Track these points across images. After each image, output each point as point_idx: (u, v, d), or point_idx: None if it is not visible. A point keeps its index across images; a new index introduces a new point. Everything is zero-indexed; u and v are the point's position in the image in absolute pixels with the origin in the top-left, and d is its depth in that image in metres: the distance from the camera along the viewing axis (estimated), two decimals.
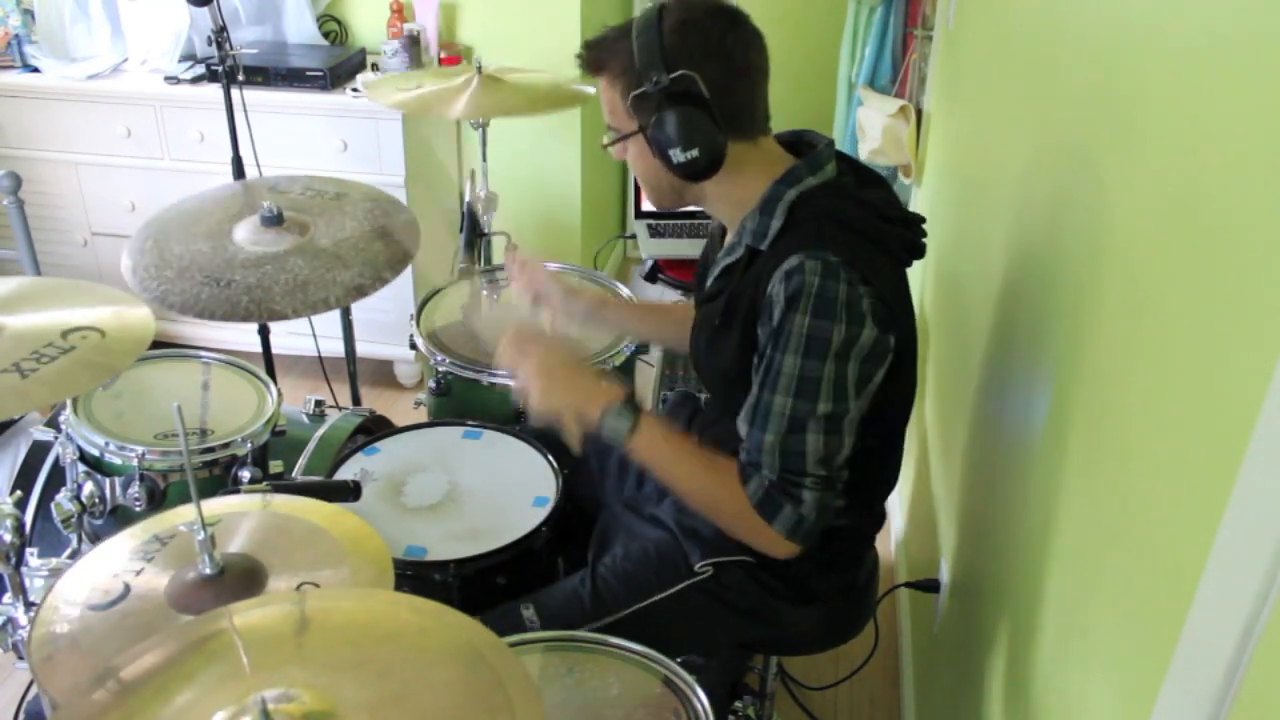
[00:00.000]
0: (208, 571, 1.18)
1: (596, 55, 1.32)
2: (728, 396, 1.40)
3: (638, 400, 1.37)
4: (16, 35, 2.92)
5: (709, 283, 1.43)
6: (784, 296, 1.23)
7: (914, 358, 1.37)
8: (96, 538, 1.69)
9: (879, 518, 1.49)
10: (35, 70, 2.93)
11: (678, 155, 1.25)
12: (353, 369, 2.50)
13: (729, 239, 1.40)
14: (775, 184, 1.30)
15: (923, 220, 1.37)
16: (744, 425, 1.29)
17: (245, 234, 1.85)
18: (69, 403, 1.74)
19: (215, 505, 1.34)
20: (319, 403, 2.01)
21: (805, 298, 1.21)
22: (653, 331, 1.83)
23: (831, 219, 1.27)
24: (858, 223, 1.28)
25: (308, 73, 2.80)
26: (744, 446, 1.30)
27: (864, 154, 2.64)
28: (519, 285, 1.74)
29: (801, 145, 1.38)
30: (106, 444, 1.67)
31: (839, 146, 1.50)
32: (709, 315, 1.39)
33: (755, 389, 1.27)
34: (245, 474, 1.70)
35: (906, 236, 1.34)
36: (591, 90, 2.40)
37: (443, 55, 3.03)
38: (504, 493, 1.63)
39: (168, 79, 2.86)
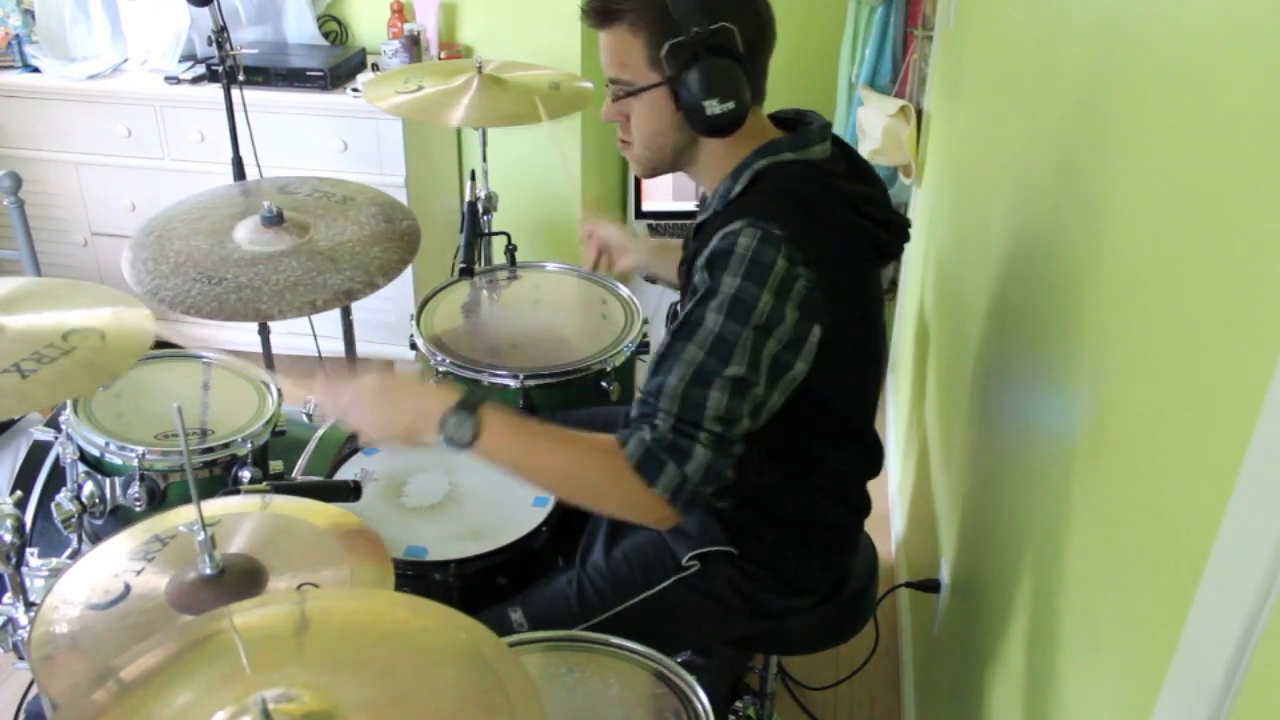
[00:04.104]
0: (208, 572, 1.18)
1: (609, 3, 1.27)
2: None
3: (474, 400, 1.23)
4: (16, 35, 2.93)
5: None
6: (713, 251, 1.21)
7: (865, 349, 1.35)
8: (96, 538, 1.69)
9: (859, 508, 1.47)
10: (35, 70, 2.93)
11: (713, 106, 1.23)
12: (353, 369, 2.50)
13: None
14: (754, 152, 1.30)
15: (907, 224, 1.36)
16: (648, 372, 1.24)
17: (245, 233, 1.85)
18: (69, 403, 1.74)
19: (215, 505, 1.34)
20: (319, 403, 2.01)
21: (738, 260, 1.20)
22: None
23: (789, 194, 1.26)
24: (818, 205, 1.26)
25: (308, 73, 2.80)
26: (642, 393, 1.24)
27: (864, 154, 2.64)
28: (588, 248, 1.80)
29: (799, 124, 1.38)
30: (107, 444, 1.67)
31: None
32: (682, 279, 1.40)
33: (669, 336, 1.23)
34: (245, 474, 1.70)
35: (879, 237, 1.32)
36: (590, 85, 2.39)
37: (443, 55, 3.03)
38: (504, 493, 1.63)
39: (168, 79, 2.87)
